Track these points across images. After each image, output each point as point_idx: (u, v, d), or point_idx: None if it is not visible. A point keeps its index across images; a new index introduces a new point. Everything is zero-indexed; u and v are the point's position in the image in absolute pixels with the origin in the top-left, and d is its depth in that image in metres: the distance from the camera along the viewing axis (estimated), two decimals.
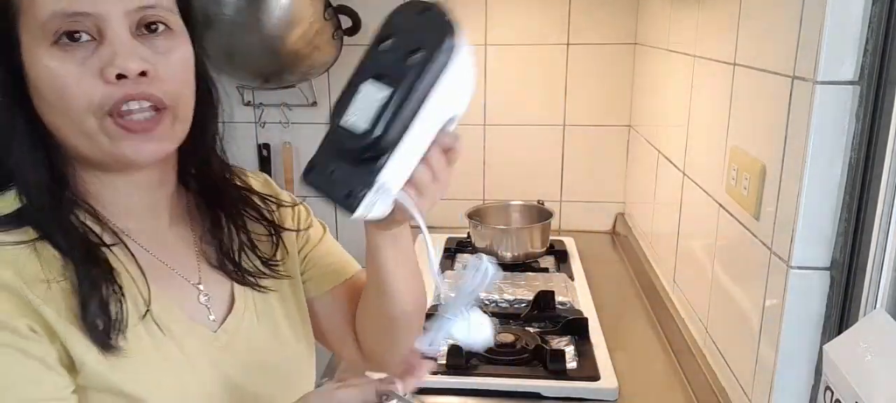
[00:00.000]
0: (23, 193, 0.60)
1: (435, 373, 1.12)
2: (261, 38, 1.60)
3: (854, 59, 0.73)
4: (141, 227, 0.67)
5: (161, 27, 0.60)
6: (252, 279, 0.73)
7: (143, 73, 0.58)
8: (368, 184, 0.54)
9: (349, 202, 0.54)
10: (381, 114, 0.51)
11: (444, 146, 0.61)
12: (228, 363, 0.69)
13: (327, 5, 1.64)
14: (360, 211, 0.54)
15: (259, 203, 0.77)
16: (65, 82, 0.57)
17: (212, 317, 0.70)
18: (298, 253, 0.82)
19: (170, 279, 0.68)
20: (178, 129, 0.63)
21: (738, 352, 0.99)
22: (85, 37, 0.57)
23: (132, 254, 0.65)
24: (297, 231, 0.81)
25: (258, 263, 0.75)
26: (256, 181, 0.82)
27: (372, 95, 0.52)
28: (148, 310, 0.63)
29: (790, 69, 0.81)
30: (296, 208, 0.83)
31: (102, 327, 0.59)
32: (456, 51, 0.51)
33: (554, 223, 1.76)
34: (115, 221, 0.66)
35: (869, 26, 0.72)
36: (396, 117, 0.51)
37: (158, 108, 0.60)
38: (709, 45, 1.14)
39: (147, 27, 0.60)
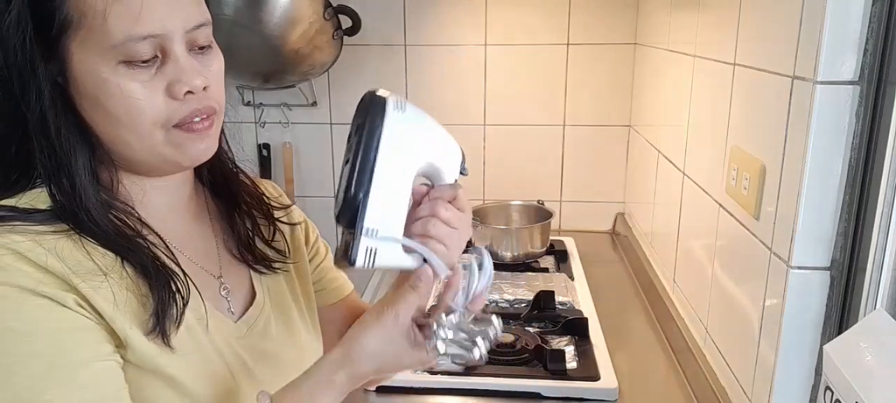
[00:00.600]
0: (70, 200, 0.62)
1: (434, 373, 1.12)
2: (261, 38, 1.60)
3: (854, 59, 0.73)
4: (167, 226, 0.71)
5: (206, 44, 0.66)
6: (266, 264, 0.78)
7: (204, 88, 0.65)
8: (356, 234, 0.64)
9: (348, 255, 0.65)
10: (347, 181, 0.64)
11: (448, 197, 0.70)
12: (247, 351, 0.72)
13: (327, 5, 1.64)
14: (359, 260, 0.64)
15: (261, 197, 0.82)
16: (134, 100, 0.61)
17: (231, 309, 0.74)
18: (310, 262, 0.88)
19: (196, 275, 0.71)
20: (218, 128, 0.69)
21: (738, 352, 0.99)
22: (150, 56, 0.62)
23: (171, 253, 0.69)
24: (292, 224, 0.86)
25: (267, 249, 0.80)
26: (266, 187, 0.87)
27: (342, 173, 0.66)
28: (185, 305, 0.67)
29: (790, 69, 0.81)
30: (305, 221, 0.90)
31: (169, 328, 0.63)
32: (385, 112, 0.66)
33: (554, 223, 1.76)
34: (152, 222, 0.69)
35: (869, 26, 0.72)
36: (355, 177, 0.64)
37: (212, 114, 0.67)
38: (709, 45, 1.14)
39: (198, 47, 0.66)
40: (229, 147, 0.78)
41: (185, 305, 0.65)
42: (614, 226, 1.90)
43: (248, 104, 1.87)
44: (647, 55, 1.63)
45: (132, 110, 0.61)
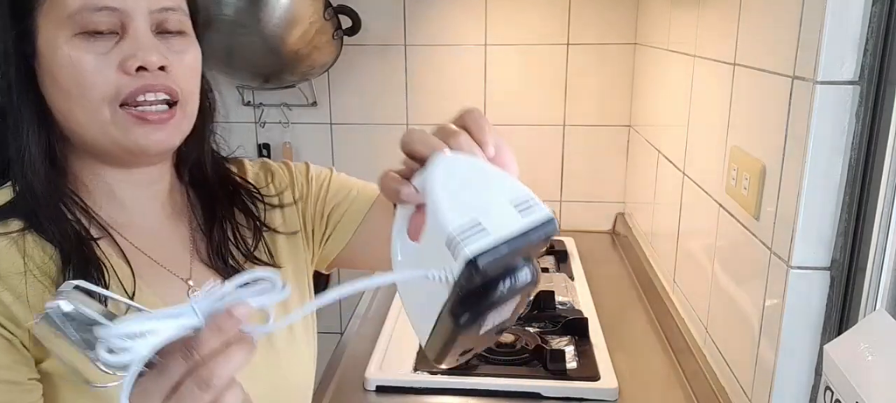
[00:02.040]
0: (20, 180, 0.61)
1: (434, 373, 1.12)
2: (261, 38, 1.60)
3: (854, 59, 0.73)
4: (131, 222, 0.68)
5: (176, 30, 0.64)
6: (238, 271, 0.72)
7: (161, 68, 0.61)
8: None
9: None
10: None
11: None
12: None
13: (327, 5, 1.64)
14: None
15: (249, 203, 0.77)
16: (84, 71, 0.59)
17: None
18: (317, 205, 0.82)
19: (156, 274, 0.68)
20: (184, 125, 0.66)
21: (738, 352, 0.99)
22: (108, 30, 0.60)
23: (119, 248, 0.66)
24: (291, 233, 0.80)
25: (245, 262, 0.74)
26: (253, 168, 0.82)
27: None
28: (129, 306, 0.60)
29: (790, 69, 0.80)
30: (294, 184, 0.82)
31: None
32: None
33: None
34: (104, 215, 0.66)
35: (869, 26, 0.72)
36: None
37: (171, 103, 0.63)
38: (709, 45, 1.14)
39: (165, 31, 0.63)
40: (217, 149, 0.75)
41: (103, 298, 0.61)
42: (614, 226, 1.90)
43: (248, 104, 1.87)
44: (647, 55, 1.63)
45: (81, 82, 0.59)
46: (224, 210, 0.75)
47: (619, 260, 1.72)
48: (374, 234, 0.81)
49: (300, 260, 0.81)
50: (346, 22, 1.69)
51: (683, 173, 1.28)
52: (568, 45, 1.77)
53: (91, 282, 0.52)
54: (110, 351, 0.42)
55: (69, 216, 0.63)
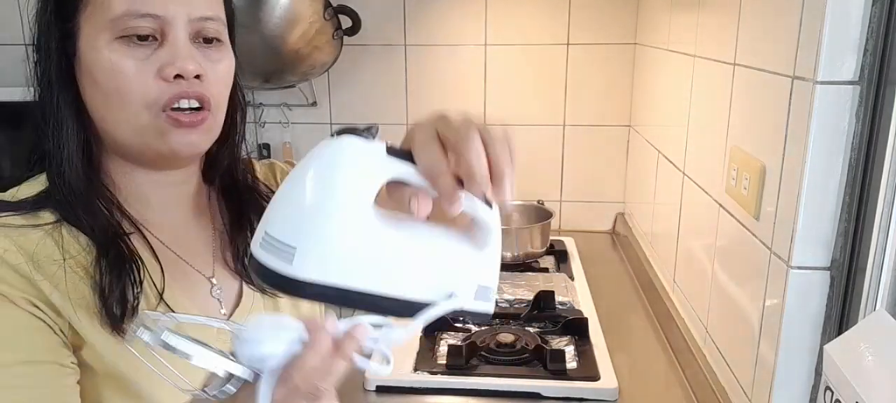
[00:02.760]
0: (56, 174, 0.63)
1: (434, 373, 1.12)
2: (261, 38, 1.60)
3: (854, 59, 0.73)
4: (160, 220, 0.70)
5: (213, 38, 0.66)
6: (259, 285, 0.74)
7: (197, 76, 0.63)
8: None
9: None
10: None
11: None
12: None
13: (327, 5, 1.64)
14: None
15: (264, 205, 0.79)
16: (125, 76, 0.61)
17: (223, 311, 0.72)
18: None
19: (183, 271, 0.70)
20: (214, 129, 0.67)
21: (738, 352, 0.99)
22: (148, 36, 0.61)
23: (149, 244, 0.67)
24: None
25: None
26: (261, 169, 0.84)
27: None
28: (161, 299, 0.65)
29: (790, 69, 0.80)
30: None
31: (119, 312, 0.61)
32: None
33: (554, 223, 1.76)
34: (134, 213, 0.68)
35: (869, 26, 0.72)
36: None
37: (203, 107, 0.65)
38: (709, 45, 1.14)
39: (203, 39, 0.65)
40: (248, 156, 0.78)
41: (138, 292, 0.63)
42: (614, 226, 1.90)
43: (248, 104, 1.87)
44: (647, 55, 1.63)
45: (121, 86, 0.61)
46: (250, 215, 0.76)
47: (619, 260, 1.72)
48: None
49: None
50: (346, 22, 1.69)
51: (683, 173, 1.28)
52: (568, 45, 1.77)
53: (127, 277, 0.62)
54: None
55: (104, 210, 0.65)
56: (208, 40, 0.65)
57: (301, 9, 1.60)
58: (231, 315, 0.72)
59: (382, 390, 1.11)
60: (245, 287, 0.75)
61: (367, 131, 0.47)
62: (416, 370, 1.14)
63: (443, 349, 1.18)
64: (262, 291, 0.75)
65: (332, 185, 0.46)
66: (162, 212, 0.70)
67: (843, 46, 0.73)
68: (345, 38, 1.71)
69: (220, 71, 0.67)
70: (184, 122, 0.63)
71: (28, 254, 0.59)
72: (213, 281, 0.73)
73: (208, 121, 0.66)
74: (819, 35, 0.73)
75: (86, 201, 0.64)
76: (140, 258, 0.65)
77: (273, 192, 0.73)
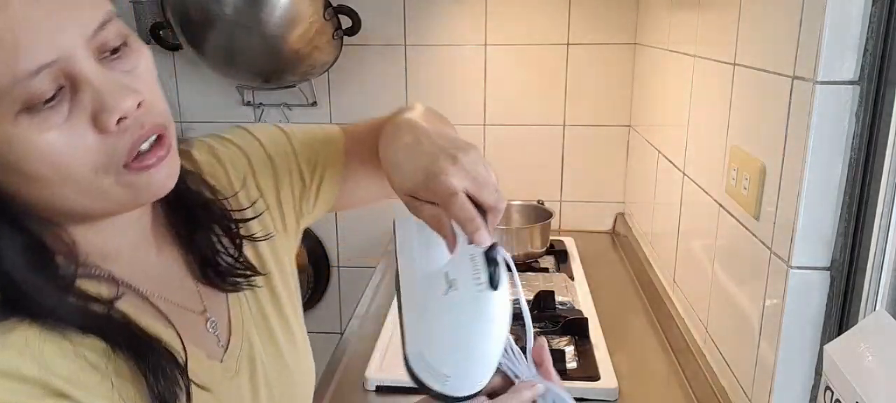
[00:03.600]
0: (11, 291, 0.50)
1: None
2: (261, 38, 1.60)
3: (854, 59, 0.73)
4: (137, 270, 0.60)
5: (119, 42, 0.51)
6: (237, 279, 0.67)
7: (139, 105, 0.51)
8: None
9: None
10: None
11: None
12: (239, 386, 0.65)
13: (327, 5, 1.64)
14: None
15: (218, 207, 0.69)
16: (57, 154, 0.48)
17: (220, 344, 0.65)
18: (292, 177, 0.75)
19: (179, 316, 0.61)
20: (175, 144, 0.57)
21: (738, 352, 0.99)
22: (54, 90, 0.47)
23: (146, 302, 0.59)
24: (266, 237, 0.72)
25: (231, 261, 0.68)
26: (201, 155, 0.71)
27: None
28: (185, 369, 0.57)
29: (790, 69, 0.80)
30: (255, 170, 0.73)
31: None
32: None
33: (554, 223, 1.76)
34: (110, 272, 0.58)
35: (869, 26, 0.72)
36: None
37: (161, 133, 0.54)
38: (709, 45, 1.14)
39: (111, 51, 0.51)
40: (186, 142, 0.68)
41: (185, 372, 0.56)
42: (614, 226, 1.90)
43: (248, 104, 1.87)
44: (647, 55, 1.63)
45: (58, 166, 0.48)
46: (203, 220, 0.67)
47: (619, 260, 1.73)
48: (357, 178, 0.79)
49: (284, 260, 0.75)
50: (346, 22, 1.69)
51: (683, 173, 1.28)
52: (568, 44, 1.77)
53: (167, 363, 0.55)
54: None
55: (95, 304, 0.54)
56: (115, 49, 0.51)
57: (301, 9, 1.60)
58: (227, 342, 0.65)
59: (382, 390, 1.11)
60: (230, 300, 0.67)
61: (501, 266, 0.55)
62: None
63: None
64: (246, 286, 0.68)
65: (481, 334, 0.55)
66: (133, 259, 0.60)
67: (843, 46, 0.73)
68: (345, 38, 1.71)
69: (146, 78, 0.54)
70: (151, 164, 0.52)
71: (38, 361, 0.49)
72: (207, 314, 0.65)
73: (170, 141, 0.55)
74: (819, 35, 0.74)
75: (63, 301, 0.52)
76: (159, 341, 0.56)
77: (217, 193, 0.68)
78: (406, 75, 1.82)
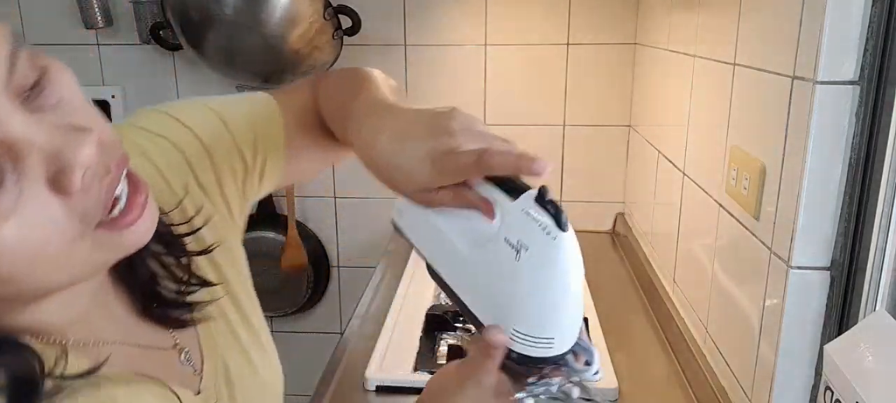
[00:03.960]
0: None
1: (434, 373, 1.12)
2: (261, 38, 1.60)
3: (854, 59, 0.73)
4: (94, 326, 0.51)
5: (38, 72, 0.40)
6: (185, 308, 0.58)
7: (98, 144, 0.41)
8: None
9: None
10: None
11: None
12: None
13: (327, 5, 1.64)
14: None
15: (161, 227, 0.57)
16: (23, 240, 0.38)
17: (196, 372, 0.59)
18: (231, 162, 0.67)
19: (154, 360, 0.55)
20: (147, 186, 0.47)
21: (738, 352, 0.99)
22: None
23: (123, 357, 0.51)
24: (208, 250, 0.62)
25: (178, 289, 0.58)
26: (130, 156, 0.60)
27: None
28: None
29: (790, 69, 0.80)
30: (192, 167, 0.64)
31: None
32: None
33: None
34: (78, 338, 0.49)
35: (869, 26, 0.72)
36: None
37: (128, 170, 0.45)
38: (709, 45, 1.14)
39: (30, 89, 0.40)
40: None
41: None
42: (614, 226, 1.90)
43: None
44: (647, 55, 1.63)
45: (27, 258, 0.39)
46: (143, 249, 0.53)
47: (619, 260, 1.72)
48: (300, 154, 0.73)
49: (237, 256, 0.69)
50: (346, 22, 1.69)
51: (683, 173, 1.28)
52: (568, 45, 1.77)
53: None
54: None
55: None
56: (36, 84, 0.40)
57: (301, 9, 1.60)
58: (201, 368, 0.59)
59: (382, 390, 1.11)
60: (194, 320, 0.59)
61: (553, 205, 0.51)
62: (416, 370, 1.14)
63: (443, 349, 1.18)
64: (191, 321, 0.59)
65: (569, 283, 0.51)
66: (93, 316, 0.51)
67: (843, 46, 0.73)
68: (345, 38, 1.71)
69: (79, 102, 0.43)
70: (134, 219, 0.44)
71: None
72: (179, 345, 0.57)
73: (141, 179, 0.46)
74: (819, 35, 0.73)
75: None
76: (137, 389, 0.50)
77: (171, 229, 0.59)
78: (406, 75, 1.82)
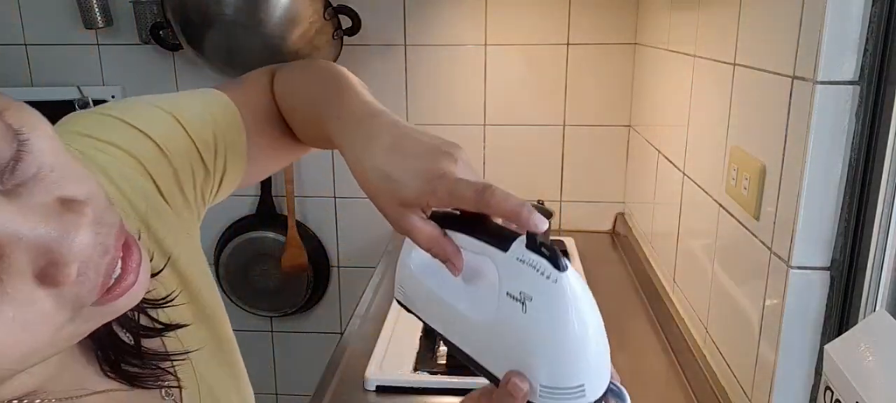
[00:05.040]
0: None
1: (434, 373, 1.12)
2: (261, 38, 1.60)
3: (854, 59, 0.73)
4: (83, 376, 0.47)
5: (16, 144, 0.34)
6: (150, 364, 0.52)
7: (93, 220, 0.36)
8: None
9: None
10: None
11: None
12: None
13: (327, 5, 1.64)
14: None
15: None
16: (12, 342, 0.33)
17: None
18: (192, 172, 0.62)
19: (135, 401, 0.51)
20: (138, 248, 0.41)
21: (738, 352, 0.99)
22: None
23: None
24: (156, 272, 0.56)
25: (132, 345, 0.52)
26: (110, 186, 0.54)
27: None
28: None
29: (790, 69, 0.80)
30: (158, 185, 0.58)
31: None
32: None
33: (554, 223, 1.76)
34: (61, 392, 0.45)
35: (869, 26, 0.72)
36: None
37: (125, 241, 0.39)
38: (709, 45, 1.14)
39: (13, 165, 0.34)
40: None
41: None
42: (614, 226, 1.90)
43: None
44: (647, 55, 1.63)
45: (13, 358, 0.34)
46: None
47: (619, 260, 1.73)
48: (259, 156, 0.69)
49: (199, 259, 0.64)
50: (346, 22, 1.69)
51: (683, 173, 1.28)
52: (568, 44, 1.77)
53: None
54: None
55: None
56: (11, 158, 0.33)
57: (301, 9, 1.60)
58: (180, 397, 0.55)
59: (382, 390, 1.11)
60: (166, 346, 0.55)
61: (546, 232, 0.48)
62: (415, 370, 1.14)
63: (443, 349, 1.18)
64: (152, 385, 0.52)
65: (586, 322, 0.49)
66: (66, 370, 0.46)
67: (843, 46, 0.73)
68: (345, 38, 1.71)
69: (62, 162, 0.36)
70: (130, 284, 0.38)
71: None
72: (162, 379, 0.52)
73: (136, 243, 0.40)
74: (819, 35, 0.73)
75: None
76: None
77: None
78: (406, 75, 1.82)
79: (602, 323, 0.49)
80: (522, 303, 0.47)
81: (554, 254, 0.46)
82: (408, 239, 0.55)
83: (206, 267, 0.64)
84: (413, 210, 0.51)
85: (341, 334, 1.35)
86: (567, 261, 0.47)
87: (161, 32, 1.73)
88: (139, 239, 0.54)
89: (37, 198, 0.34)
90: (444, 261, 0.51)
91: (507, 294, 0.47)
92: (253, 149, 0.68)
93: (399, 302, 0.59)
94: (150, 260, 0.53)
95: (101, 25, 1.74)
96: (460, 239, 0.51)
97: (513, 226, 0.49)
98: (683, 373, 1.17)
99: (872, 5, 0.71)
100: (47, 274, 0.33)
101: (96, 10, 1.73)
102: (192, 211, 0.63)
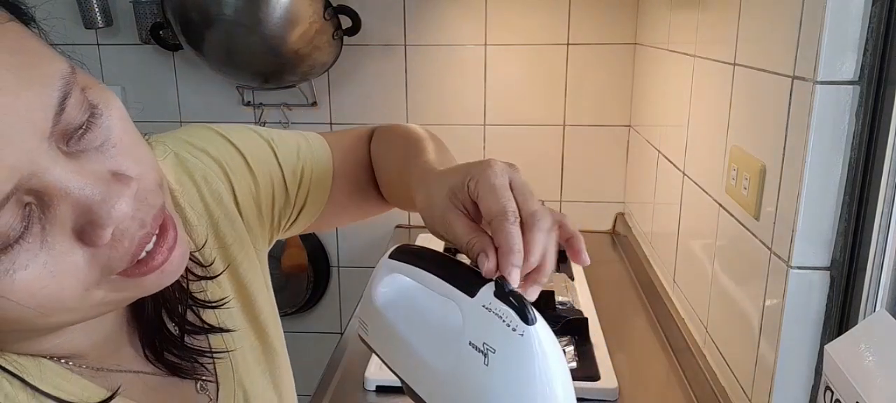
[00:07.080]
0: None
1: None
2: (261, 38, 1.60)
3: (854, 59, 0.73)
4: (105, 354, 0.49)
5: (86, 116, 0.38)
6: (194, 358, 0.55)
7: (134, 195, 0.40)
8: None
9: None
10: None
11: None
12: None
13: (327, 5, 1.64)
14: None
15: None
16: (41, 286, 0.36)
17: (211, 399, 0.58)
18: (273, 198, 0.66)
19: (170, 392, 0.53)
20: (179, 220, 0.46)
21: (738, 352, 0.99)
22: (23, 219, 0.35)
23: (139, 388, 0.50)
24: (215, 275, 0.60)
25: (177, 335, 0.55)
26: (174, 173, 0.59)
27: None
28: None
29: (790, 69, 0.80)
30: (234, 186, 0.63)
31: None
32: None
33: None
34: (99, 363, 0.48)
35: (869, 26, 0.72)
36: None
37: (163, 217, 0.42)
38: (709, 45, 1.14)
39: (77, 127, 0.38)
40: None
41: None
42: (614, 226, 1.90)
43: (247, 104, 1.87)
44: (647, 55, 1.63)
45: (41, 303, 0.37)
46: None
47: (619, 260, 1.73)
48: (338, 206, 0.73)
49: (261, 272, 0.67)
50: (346, 22, 1.69)
51: (683, 173, 1.28)
52: (568, 45, 1.77)
53: None
54: None
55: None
56: (82, 124, 0.38)
57: (301, 9, 1.60)
58: (217, 394, 0.57)
59: (382, 390, 1.11)
60: (210, 342, 0.57)
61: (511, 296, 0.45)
62: None
63: None
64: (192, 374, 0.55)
65: (551, 382, 0.44)
66: (107, 346, 0.49)
67: (843, 46, 0.73)
68: (345, 38, 1.71)
69: (126, 141, 0.40)
70: (158, 264, 0.41)
71: None
72: (196, 373, 0.55)
73: (174, 222, 0.44)
74: (819, 35, 0.73)
75: None
76: None
77: (186, 226, 0.57)
78: (406, 75, 1.82)
79: (570, 382, 0.45)
80: (484, 355, 0.43)
81: (522, 305, 0.43)
82: (373, 274, 0.54)
83: (268, 283, 0.67)
84: (458, 193, 0.51)
85: (341, 334, 1.35)
86: (536, 314, 0.43)
87: (161, 32, 1.73)
88: (205, 244, 0.58)
89: (93, 165, 0.38)
90: (477, 254, 0.48)
91: (470, 343, 0.44)
92: (336, 193, 0.72)
93: (361, 339, 0.56)
94: (211, 263, 0.58)
95: (101, 25, 1.74)
96: (429, 279, 0.48)
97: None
98: (683, 373, 1.17)
99: (872, 5, 0.71)
100: (85, 231, 0.37)
101: (96, 10, 1.73)
102: (264, 228, 0.66)
